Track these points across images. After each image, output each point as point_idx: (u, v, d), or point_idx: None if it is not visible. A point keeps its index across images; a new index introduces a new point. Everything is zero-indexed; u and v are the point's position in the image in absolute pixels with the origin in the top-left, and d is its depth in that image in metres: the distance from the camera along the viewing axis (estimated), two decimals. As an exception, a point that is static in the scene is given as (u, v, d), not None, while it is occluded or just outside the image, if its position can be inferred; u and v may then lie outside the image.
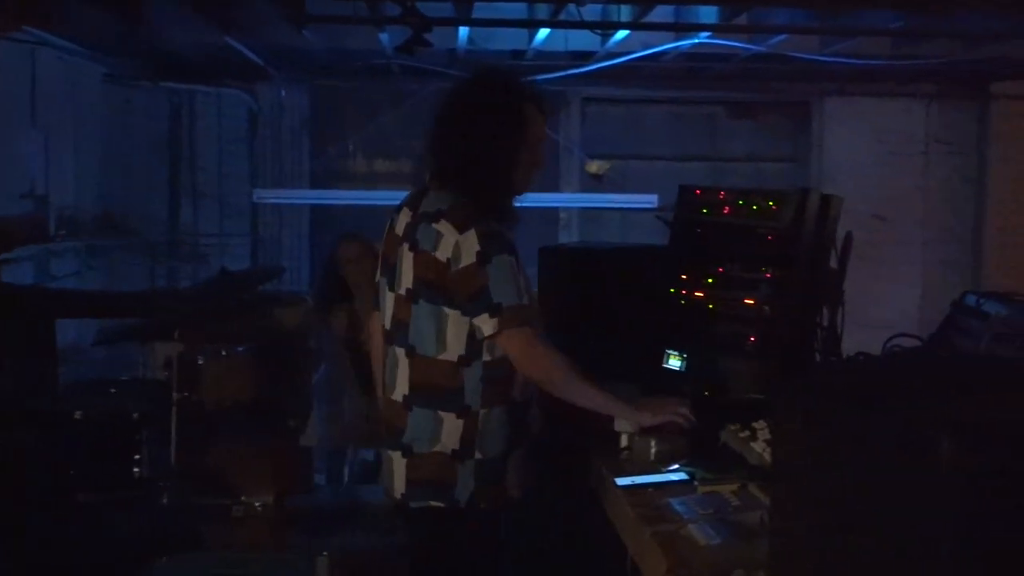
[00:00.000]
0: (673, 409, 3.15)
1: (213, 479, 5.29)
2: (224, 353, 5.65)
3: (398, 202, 3.26)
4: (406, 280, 3.06)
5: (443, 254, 2.96)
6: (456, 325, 2.99)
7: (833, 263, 3.51)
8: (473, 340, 3.00)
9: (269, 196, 8.10)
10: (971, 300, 3.96)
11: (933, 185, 8.89)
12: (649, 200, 7.67)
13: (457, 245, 2.94)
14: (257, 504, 5.23)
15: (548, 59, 7.64)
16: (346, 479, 5.92)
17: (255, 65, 7.63)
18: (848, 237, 3.51)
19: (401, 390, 3.07)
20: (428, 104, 8.29)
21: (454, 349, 3.00)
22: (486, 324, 2.95)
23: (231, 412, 5.80)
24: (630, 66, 7.55)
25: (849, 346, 3.38)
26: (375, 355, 3.37)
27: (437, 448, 3.02)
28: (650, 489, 2.93)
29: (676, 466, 3.09)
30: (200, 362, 5.52)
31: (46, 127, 7.15)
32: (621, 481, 3.00)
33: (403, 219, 3.15)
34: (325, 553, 4.83)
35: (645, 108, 8.86)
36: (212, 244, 8.35)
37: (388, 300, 3.14)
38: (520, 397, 3.11)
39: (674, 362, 3.61)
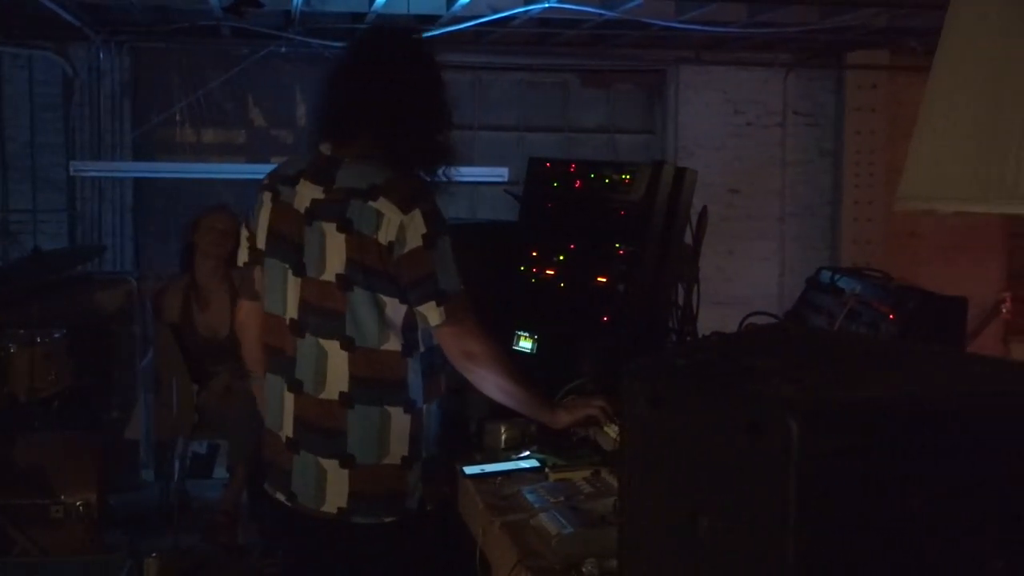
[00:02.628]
0: (591, 405, 3.09)
1: (27, 477, 5.16)
2: (39, 339, 5.51)
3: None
4: (333, 265, 2.83)
5: (385, 237, 2.78)
6: (394, 313, 2.82)
7: (688, 239, 3.60)
8: (411, 330, 2.86)
9: (87, 169, 7.88)
10: (826, 277, 4.10)
11: (790, 158, 9.15)
12: (499, 173, 7.71)
13: (402, 227, 2.77)
14: (78, 503, 5.12)
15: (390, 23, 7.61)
16: (176, 474, 5.84)
17: (69, 24, 7.41)
18: (704, 212, 3.59)
19: (336, 387, 2.85)
20: (262, 69, 8.20)
21: (396, 339, 2.84)
22: (432, 313, 2.81)
23: (46, 403, 5.68)
24: (477, 31, 7.58)
25: (705, 325, 3.47)
26: (248, 346, 3.13)
27: (387, 460, 2.86)
28: (499, 477, 2.97)
29: (527, 453, 3.13)
30: (12, 349, 5.38)
31: None
32: (469, 469, 3.03)
33: (305, 193, 2.90)
34: (155, 554, 4.78)
35: (493, 76, 8.90)
36: (24, 221, 8.09)
37: (292, 286, 2.90)
38: (447, 388, 3.02)
39: (525, 344, 3.65)
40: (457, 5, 6.88)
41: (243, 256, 3.07)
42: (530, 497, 2.77)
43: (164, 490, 6.10)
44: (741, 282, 8.73)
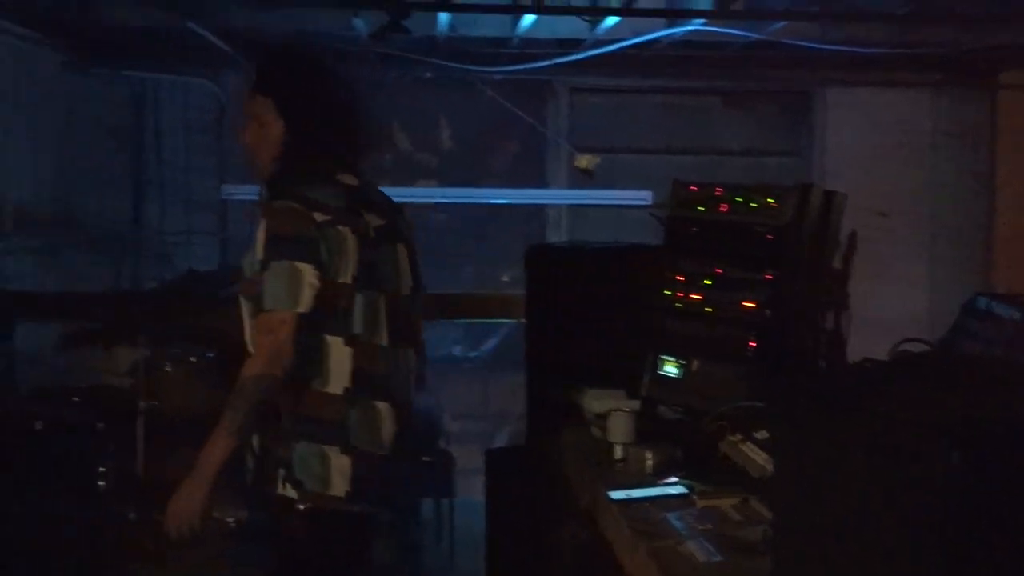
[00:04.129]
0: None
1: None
2: (192, 359, 5.65)
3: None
4: (406, 280, 3.37)
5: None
6: None
7: (837, 263, 3.55)
8: None
9: (239, 192, 8.09)
10: (982, 303, 4.00)
11: (940, 180, 8.95)
12: (642, 196, 7.70)
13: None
14: (230, 520, 5.23)
15: (534, 47, 7.67)
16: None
17: (221, 52, 7.62)
18: (853, 236, 3.54)
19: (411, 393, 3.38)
20: (407, 94, 8.32)
21: None
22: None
23: (197, 422, 5.80)
24: (620, 54, 7.58)
25: (854, 350, 3.41)
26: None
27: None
28: (646, 503, 2.96)
29: (673, 479, 3.12)
30: (167, 368, 5.53)
31: (0, 118, 7.14)
32: (615, 494, 3.02)
33: (371, 221, 3.25)
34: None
35: (636, 99, 8.89)
36: (178, 243, 8.34)
37: (386, 309, 3.25)
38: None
39: (669, 368, 3.63)
40: (601, 28, 6.91)
41: (309, 298, 3.10)
42: (677, 524, 2.75)
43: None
44: (889, 307, 8.54)
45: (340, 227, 3.12)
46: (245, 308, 3.20)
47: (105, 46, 7.86)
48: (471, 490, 5.93)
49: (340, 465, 3.15)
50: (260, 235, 3.06)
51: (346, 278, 3.13)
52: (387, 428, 3.24)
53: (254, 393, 3.00)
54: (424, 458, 5.76)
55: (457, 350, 8.81)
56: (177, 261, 8.15)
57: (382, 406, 3.23)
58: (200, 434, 5.80)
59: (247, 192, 8.14)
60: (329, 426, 3.15)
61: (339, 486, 3.17)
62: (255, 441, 3.21)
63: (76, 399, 5.74)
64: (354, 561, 3.33)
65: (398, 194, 8.66)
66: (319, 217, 3.08)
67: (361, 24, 6.84)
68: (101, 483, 5.16)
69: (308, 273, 3.03)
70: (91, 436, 5.22)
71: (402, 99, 8.46)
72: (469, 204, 8.68)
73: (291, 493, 3.16)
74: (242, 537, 5.32)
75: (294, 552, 3.24)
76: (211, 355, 5.81)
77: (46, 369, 6.86)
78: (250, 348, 3.14)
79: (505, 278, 8.47)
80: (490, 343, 8.80)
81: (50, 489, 5.11)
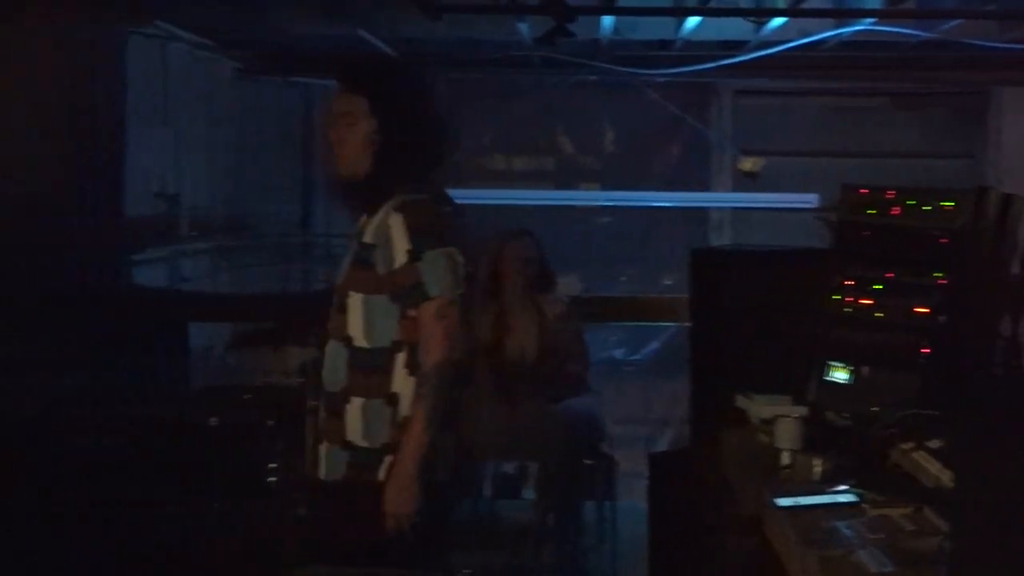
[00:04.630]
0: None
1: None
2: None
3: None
4: None
5: None
6: None
7: (1015, 268, 3.44)
8: None
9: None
10: None
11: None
12: (808, 200, 7.57)
13: None
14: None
15: (697, 49, 7.60)
16: (486, 494, 5.98)
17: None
18: (1032, 240, 3.43)
19: None
20: (570, 97, 8.34)
21: None
22: None
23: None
24: (785, 55, 7.47)
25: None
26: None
27: None
28: (814, 511, 2.91)
29: (842, 487, 3.05)
30: (296, 371, 5.63)
31: (176, 125, 7.37)
32: (782, 502, 2.98)
33: None
34: (466, 571, 4.90)
35: (802, 101, 8.75)
36: (344, 245, 8.48)
37: None
38: None
39: (838, 374, 3.57)
40: (766, 30, 6.82)
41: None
42: (847, 533, 2.70)
43: (474, 509, 6.24)
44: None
45: (460, 219, 3.32)
46: (364, 301, 3.18)
47: (276, 54, 8.06)
48: (633, 494, 5.91)
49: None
50: (397, 229, 3.12)
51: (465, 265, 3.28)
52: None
53: (441, 381, 3.07)
54: (586, 461, 5.75)
55: (619, 353, 8.80)
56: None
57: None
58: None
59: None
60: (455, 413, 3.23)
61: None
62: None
63: (247, 398, 5.88)
64: None
65: (560, 198, 8.73)
66: (445, 209, 3.25)
67: (525, 29, 6.88)
68: (272, 479, 5.27)
69: (458, 256, 3.18)
70: (261, 434, 5.34)
71: (564, 103, 8.48)
72: (631, 207, 8.65)
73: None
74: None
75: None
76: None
77: (218, 368, 7.06)
78: (360, 339, 3.17)
79: (667, 281, 8.42)
80: (652, 346, 8.77)
81: (221, 486, 5.24)
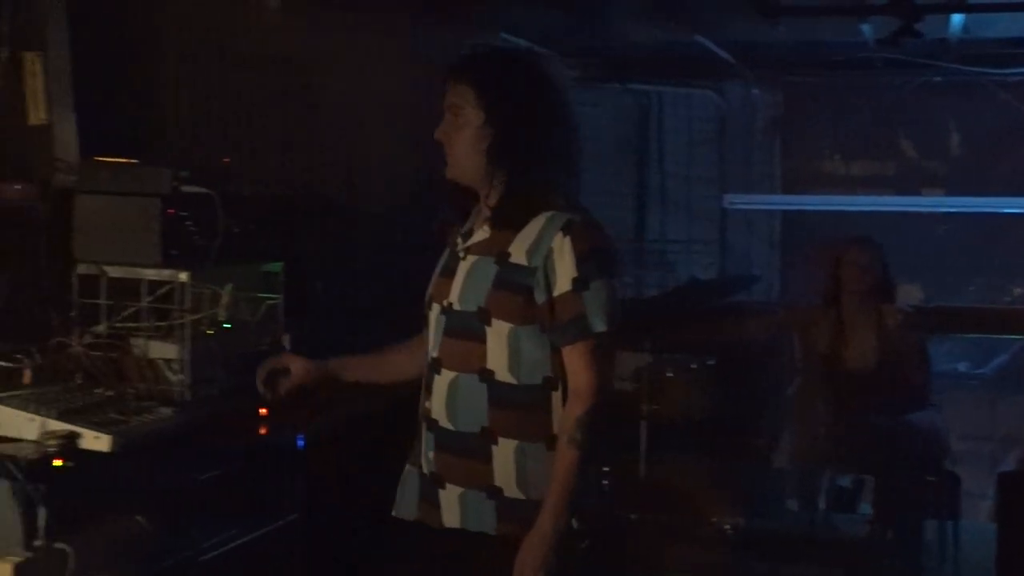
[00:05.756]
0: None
1: (679, 497, 5.40)
2: (693, 366, 5.75)
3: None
4: None
5: None
6: None
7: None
8: None
9: (740, 201, 8.15)
10: None
11: None
12: None
13: None
14: (726, 526, 5.28)
15: (1056, 46, 7.19)
16: (821, 506, 5.84)
17: (724, 63, 7.70)
18: None
19: None
20: (913, 99, 8.05)
21: None
22: None
23: (697, 427, 5.90)
24: None
25: None
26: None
27: None
28: None
29: None
30: (669, 374, 5.65)
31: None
32: None
33: None
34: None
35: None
36: (679, 252, 8.51)
37: None
38: None
39: None
40: None
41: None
42: None
43: (809, 520, 6.11)
44: None
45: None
46: (512, 332, 2.72)
47: (613, 61, 8.15)
48: (977, 514, 5.65)
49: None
50: (563, 252, 2.69)
51: None
52: None
53: (594, 426, 2.64)
54: (928, 477, 5.54)
55: (962, 366, 8.42)
56: (679, 269, 8.32)
57: None
58: (700, 440, 5.92)
59: (750, 201, 8.23)
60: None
61: None
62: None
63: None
64: None
65: (902, 203, 8.43)
66: (608, 232, 2.83)
67: (868, 30, 6.68)
68: (605, 483, 5.34)
69: (617, 289, 2.79)
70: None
71: (907, 105, 8.19)
72: (977, 214, 8.28)
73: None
74: (738, 543, 5.35)
75: None
76: (711, 362, 5.88)
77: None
78: (504, 373, 2.71)
79: (1018, 291, 8.01)
80: (999, 360, 8.35)
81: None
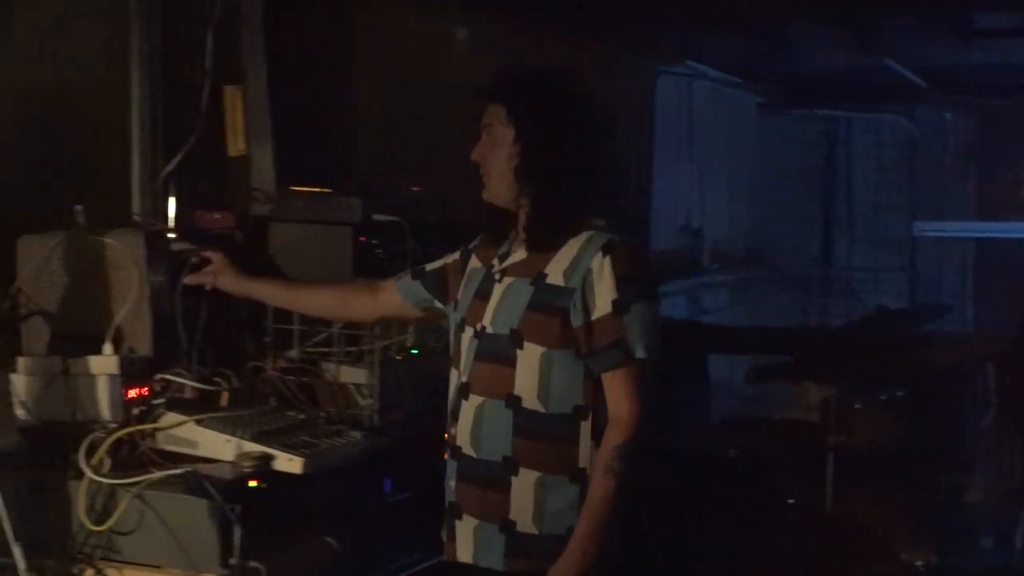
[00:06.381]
0: None
1: (867, 530, 5.26)
2: (883, 396, 5.61)
3: None
4: None
5: None
6: None
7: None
8: None
9: (931, 228, 7.94)
10: None
11: None
12: None
13: None
14: (918, 563, 5.12)
15: None
16: (1018, 544, 5.62)
17: (914, 87, 7.52)
18: None
19: None
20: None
21: None
22: None
23: (887, 459, 5.75)
24: None
25: None
26: None
27: None
28: None
29: None
30: (857, 405, 5.52)
31: (701, 160, 7.52)
32: None
33: None
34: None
35: None
36: (866, 280, 8.33)
37: None
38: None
39: None
40: None
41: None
42: None
43: (1004, 560, 5.89)
44: None
45: None
46: (545, 356, 2.58)
47: (801, 87, 8.05)
48: None
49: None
50: (603, 274, 2.54)
51: None
52: None
53: (633, 456, 2.52)
54: None
55: None
56: (865, 298, 8.13)
57: None
58: (889, 473, 5.76)
59: (941, 228, 8.01)
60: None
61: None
62: None
63: (765, 430, 5.89)
64: None
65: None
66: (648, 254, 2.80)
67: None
68: (789, 515, 5.24)
69: (659, 313, 2.62)
70: (780, 468, 5.32)
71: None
72: None
73: None
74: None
75: None
76: (901, 394, 5.73)
77: (736, 399, 7.12)
78: (531, 400, 2.57)
79: None
80: None
81: (739, 517, 5.26)
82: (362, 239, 3.43)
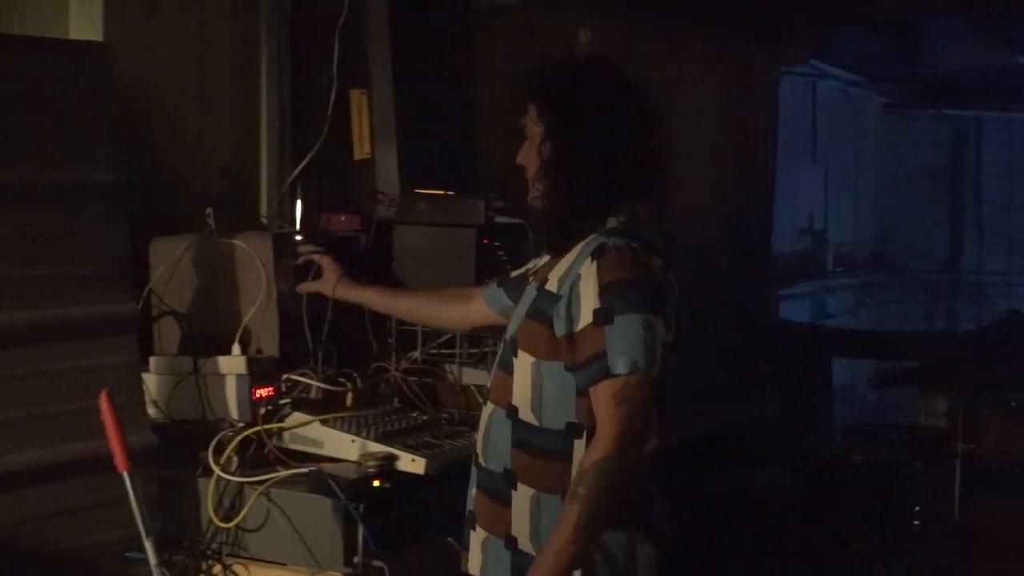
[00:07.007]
0: None
1: (998, 541, 5.12)
2: (1013, 403, 5.45)
3: None
4: None
5: None
6: None
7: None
8: None
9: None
10: None
11: None
12: None
13: None
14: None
15: None
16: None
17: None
18: None
19: None
20: None
21: None
22: None
23: (1018, 468, 5.60)
24: None
25: None
26: None
27: None
28: None
29: None
30: (987, 412, 5.38)
31: (825, 161, 7.41)
32: None
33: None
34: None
35: None
36: (997, 283, 8.13)
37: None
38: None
39: None
40: None
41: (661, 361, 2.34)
42: None
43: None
44: None
45: (671, 274, 2.42)
46: (536, 367, 2.40)
47: (929, 86, 7.89)
48: None
49: (646, 555, 2.41)
50: (588, 280, 2.32)
51: (669, 337, 2.38)
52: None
53: (602, 481, 2.25)
54: None
55: None
56: (996, 302, 7.94)
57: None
58: (1021, 482, 5.61)
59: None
60: (634, 509, 2.40)
61: None
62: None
63: (891, 437, 5.78)
64: None
65: None
66: (656, 262, 2.37)
67: None
68: (916, 523, 5.13)
69: (660, 329, 2.32)
70: (907, 475, 5.22)
71: None
72: None
73: None
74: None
75: None
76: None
77: (861, 405, 7.00)
78: (526, 412, 2.40)
79: None
80: None
81: (864, 524, 5.17)
82: (485, 241, 3.44)
